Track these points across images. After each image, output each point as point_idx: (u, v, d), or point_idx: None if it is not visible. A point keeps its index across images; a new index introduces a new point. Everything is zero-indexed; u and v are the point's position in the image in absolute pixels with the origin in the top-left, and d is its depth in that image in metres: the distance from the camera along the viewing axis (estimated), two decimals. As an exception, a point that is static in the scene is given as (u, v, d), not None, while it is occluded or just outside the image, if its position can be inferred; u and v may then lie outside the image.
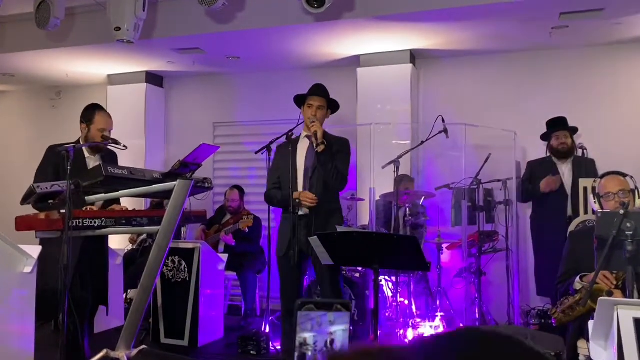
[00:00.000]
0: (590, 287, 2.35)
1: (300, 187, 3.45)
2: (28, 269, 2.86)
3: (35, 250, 2.92)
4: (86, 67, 6.34)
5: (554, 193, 4.50)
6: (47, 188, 2.82)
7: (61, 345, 2.78)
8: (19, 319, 2.88)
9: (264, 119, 6.26)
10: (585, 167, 4.53)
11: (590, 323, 2.04)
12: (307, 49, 5.56)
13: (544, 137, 4.73)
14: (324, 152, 3.38)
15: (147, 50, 5.66)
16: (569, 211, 4.46)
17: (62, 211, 2.77)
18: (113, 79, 6.67)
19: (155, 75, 6.66)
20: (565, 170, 4.56)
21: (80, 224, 2.88)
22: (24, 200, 2.98)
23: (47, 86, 7.28)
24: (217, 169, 6.47)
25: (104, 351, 3.30)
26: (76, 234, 2.88)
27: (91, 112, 3.54)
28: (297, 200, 3.39)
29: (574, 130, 4.68)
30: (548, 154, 4.70)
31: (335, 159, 3.42)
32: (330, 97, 3.63)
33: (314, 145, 3.41)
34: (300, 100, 3.63)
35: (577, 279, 2.73)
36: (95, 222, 2.98)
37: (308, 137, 3.55)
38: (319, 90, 3.58)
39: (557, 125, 4.64)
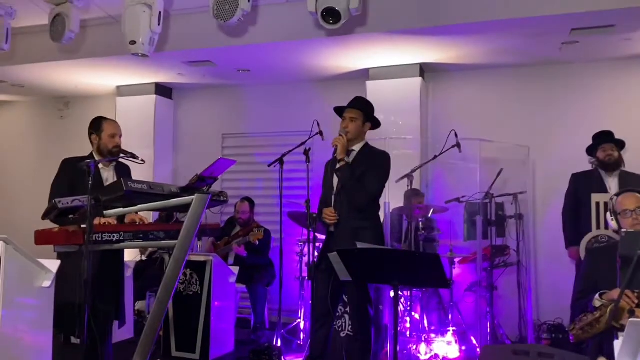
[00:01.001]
0: (614, 307, 2.35)
1: (332, 204, 3.42)
2: (47, 283, 2.86)
3: (53, 265, 2.91)
4: (95, 78, 6.37)
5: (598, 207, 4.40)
6: (68, 203, 2.82)
7: (81, 358, 2.77)
8: (37, 333, 2.87)
9: (273, 130, 6.29)
10: (633, 181, 4.44)
11: (616, 343, 2.04)
12: (317, 62, 5.59)
13: (590, 151, 4.67)
14: (344, 168, 3.35)
15: (157, 62, 5.69)
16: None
17: (83, 226, 2.77)
18: (122, 91, 6.70)
19: (164, 87, 6.69)
20: (612, 183, 4.49)
21: (100, 238, 2.88)
22: (46, 216, 2.98)
23: (55, 97, 7.31)
24: (226, 180, 6.48)
25: (120, 365, 3.30)
26: (95, 247, 2.87)
27: (98, 122, 3.56)
28: (317, 214, 3.40)
29: (621, 144, 4.64)
30: (594, 167, 4.63)
31: (364, 174, 3.35)
32: (369, 107, 3.57)
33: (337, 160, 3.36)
34: (339, 113, 3.61)
35: (597, 296, 2.73)
36: (113, 237, 2.97)
37: (335, 147, 3.49)
38: (354, 101, 3.56)
39: (604, 137, 4.60)
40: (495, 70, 5.65)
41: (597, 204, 4.20)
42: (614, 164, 4.47)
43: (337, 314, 4.07)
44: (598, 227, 4.21)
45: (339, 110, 3.61)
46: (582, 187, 4.57)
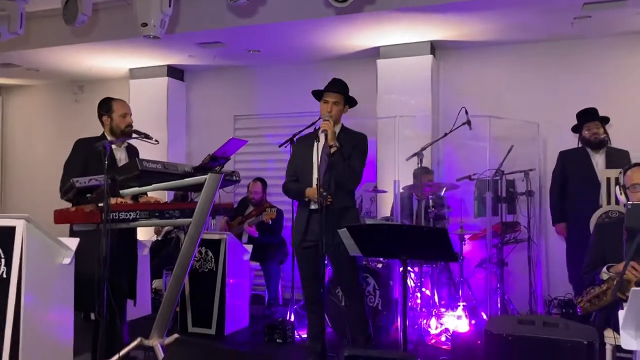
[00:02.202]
0: (620, 278, 2.39)
1: (314, 182, 3.43)
2: (67, 261, 2.95)
3: (72, 243, 3.00)
4: (108, 61, 6.44)
5: (587, 183, 4.47)
6: (85, 182, 2.91)
7: (101, 333, 2.88)
8: (58, 309, 2.97)
9: (284, 111, 6.32)
10: (619, 157, 4.50)
11: (621, 313, 2.08)
12: (328, 42, 5.60)
13: (575, 129, 4.71)
14: (336, 152, 3.38)
15: (169, 44, 5.73)
16: (602, 201, 4.44)
17: (100, 205, 2.86)
18: (135, 73, 6.77)
19: (176, 68, 6.74)
20: (599, 160, 4.54)
21: (117, 217, 2.97)
22: (64, 195, 3.08)
23: (70, 80, 7.40)
24: (238, 161, 6.54)
25: (138, 339, 3.41)
26: (112, 226, 2.96)
27: (107, 103, 3.59)
28: (307, 199, 3.45)
29: (606, 121, 4.65)
30: (580, 145, 4.67)
31: (350, 157, 3.41)
32: (349, 90, 3.61)
33: (327, 145, 3.38)
34: (317, 95, 3.65)
35: (604, 269, 2.77)
36: (130, 215, 3.07)
37: (324, 132, 3.54)
38: (335, 86, 3.56)
39: (588, 116, 4.61)
40: (507, 47, 5.61)
41: (608, 179, 4.22)
42: (600, 142, 4.51)
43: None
44: (609, 203, 4.24)
45: (318, 94, 3.61)
46: (568, 165, 4.64)
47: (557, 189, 4.69)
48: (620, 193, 2.96)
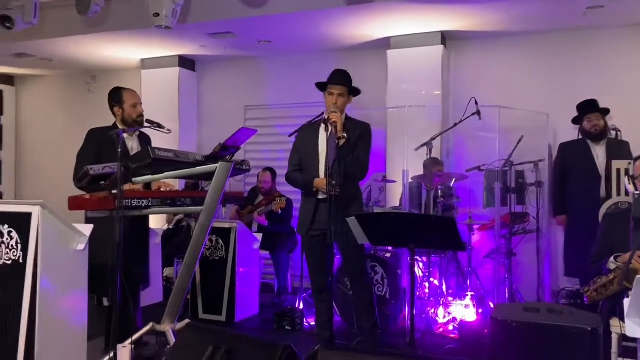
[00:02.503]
0: (626, 267, 2.41)
1: (321, 172, 3.46)
2: (81, 247, 3.00)
3: (86, 229, 3.06)
4: (120, 51, 6.49)
5: (587, 175, 4.50)
6: (99, 170, 2.97)
7: (115, 317, 2.94)
8: (73, 294, 3.04)
9: (294, 101, 6.35)
10: (619, 149, 4.52)
11: (626, 301, 2.11)
12: (338, 32, 5.60)
13: (576, 121, 4.72)
14: (345, 144, 3.38)
15: (180, 34, 5.77)
16: (602, 193, 4.46)
17: (113, 192, 2.92)
18: (146, 63, 6.82)
19: (187, 59, 6.78)
20: (599, 152, 4.55)
21: (130, 204, 3.03)
22: (78, 182, 3.14)
23: (83, 70, 7.48)
24: (248, 150, 6.59)
25: (150, 324, 3.49)
26: (125, 213, 3.02)
27: (118, 93, 3.64)
28: (315, 189, 3.48)
29: (606, 112, 4.65)
30: (581, 137, 4.69)
31: (357, 149, 3.43)
32: (352, 80, 3.60)
33: (336, 137, 3.41)
34: (321, 87, 3.65)
35: (612, 259, 2.78)
36: (142, 202, 3.13)
37: (334, 125, 3.55)
38: (338, 77, 3.57)
39: (588, 107, 4.62)
40: (518, 38, 5.59)
41: (618, 170, 4.21)
42: (600, 134, 4.50)
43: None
44: (612, 195, 4.24)
45: (322, 85, 3.62)
46: (569, 157, 4.64)
47: (558, 181, 4.71)
48: (629, 183, 2.96)
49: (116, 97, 3.61)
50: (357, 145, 3.48)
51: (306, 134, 3.65)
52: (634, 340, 2.28)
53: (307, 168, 3.60)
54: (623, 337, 2.87)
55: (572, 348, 2.11)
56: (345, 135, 3.40)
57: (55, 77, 7.86)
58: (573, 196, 4.61)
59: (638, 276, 1.99)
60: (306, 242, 3.61)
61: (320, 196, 3.50)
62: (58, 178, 7.36)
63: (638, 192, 2.49)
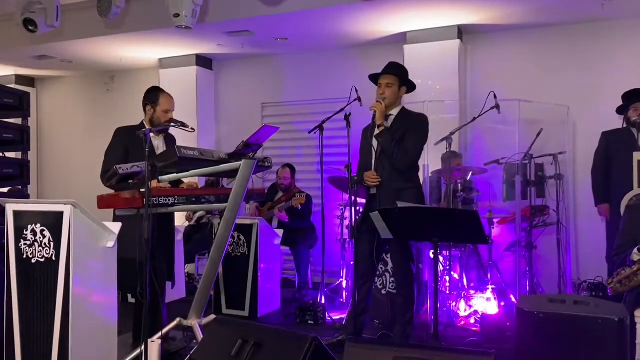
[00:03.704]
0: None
1: (372, 168, 3.53)
2: (111, 244, 3.08)
3: (115, 227, 3.14)
4: (139, 51, 6.59)
5: (632, 164, 4.41)
6: (127, 169, 3.04)
7: (145, 313, 3.01)
8: (103, 290, 3.12)
9: (311, 98, 6.40)
10: None
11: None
12: (354, 28, 5.63)
13: (620, 110, 4.64)
14: (384, 132, 3.43)
15: (198, 34, 5.84)
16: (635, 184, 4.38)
17: (142, 190, 2.99)
18: (164, 63, 6.91)
19: (205, 58, 6.86)
20: None
21: (157, 202, 3.09)
22: (107, 181, 3.22)
23: (102, 71, 7.59)
24: (266, 148, 6.63)
25: (177, 320, 3.56)
26: (153, 210, 3.09)
27: (155, 94, 3.71)
28: (360, 178, 3.52)
29: None
30: (625, 126, 4.61)
31: (404, 138, 3.44)
32: (404, 72, 3.64)
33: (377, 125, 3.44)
34: (374, 80, 3.68)
35: (635, 250, 2.79)
36: (169, 200, 3.19)
37: (374, 112, 3.57)
38: (388, 67, 3.63)
39: (635, 96, 4.54)
40: (535, 31, 5.57)
41: (639, 161, 4.18)
42: None
43: (378, 273, 4.23)
44: (639, 186, 4.20)
45: (374, 78, 3.68)
46: (612, 145, 4.56)
47: (600, 170, 4.61)
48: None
49: (153, 97, 3.67)
50: (405, 137, 3.49)
51: (366, 133, 3.70)
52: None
53: (363, 165, 3.65)
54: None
55: (599, 339, 2.13)
56: (385, 123, 3.43)
57: (74, 78, 7.99)
58: (617, 185, 4.47)
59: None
60: (355, 237, 3.63)
61: (372, 191, 3.55)
62: (79, 177, 7.52)
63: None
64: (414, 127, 3.53)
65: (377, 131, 3.46)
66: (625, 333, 2.13)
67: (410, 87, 3.69)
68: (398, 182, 3.48)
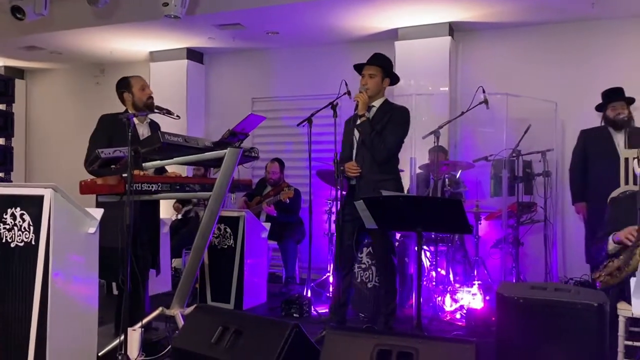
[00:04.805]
0: (633, 247, 2.41)
1: (353, 158, 3.52)
2: (92, 230, 3.04)
3: (97, 213, 3.09)
4: (129, 44, 6.54)
5: (609, 163, 4.43)
6: (109, 153, 3.01)
7: (125, 301, 2.98)
8: (84, 277, 3.07)
9: (302, 94, 6.38)
10: (637, 137, 4.42)
11: (632, 280, 2.12)
12: (346, 23, 5.62)
13: (599, 108, 4.66)
14: (364, 123, 3.42)
15: (188, 26, 5.81)
16: (621, 181, 4.39)
17: (124, 175, 2.95)
18: (155, 56, 6.87)
19: (195, 51, 6.83)
20: (621, 140, 4.47)
21: (140, 188, 3.06)
22: (89, 165, 3.18)
23: (91, 64, 7.54)
24: (256, 143, 6.62)
25: (160, 309, 3.52)
26: (135, 197, 3.05)
27: (125, 80, 3.66)
28: (342, 169, 3.51)
29: (631, 101, 4.59)
30: (603, 124, 4.62)
31: (384, 130, 3.44)
32: (387, 63, 3.62)
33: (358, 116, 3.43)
34: (359, 70, 3.67)
35: (610, 239, 2.76)
36: (152, 187, 3.16)
37: (356, 103, 3.56)
38: (372, 58, 3.60)
39: (614, 95, 4.53)
40: (525, 29, 5.58)
41: (626, 159, 4.19)
42: (623, 122, 4.44)
43: (364, 266, 4.22)
44: (627, 183, 4.22)
45: (359, 68, 3.66)
46: (590, 144, 4.56)
47: (578, 168, 4.62)
48: (638, 166, 2.97)
49: (124, 83, 3.64)
50: (386, 129, 3.49)
51: (348, 124, 3.69)
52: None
53: (346, 155, 3.65)
54: (631, 322, 2.89)
55: (578, 324, 2.12)
56: (365, 114, 3.41)
57: (64, 71, 7.93)
58: (594, 184, 4.49)
59: (645, 252, 2.00)
60: (338, 226, 3.62)
61: (352, 182, 3.54)
62: (68, 170, 7.43)
63: (644, 171, 2.49)
64: (395, 119, 3.52)
65: (358, 121, 3.44)
66: (605, 318, 2.12)
67: (394, 79, 3.67)
68: (377, 174, 3.48)
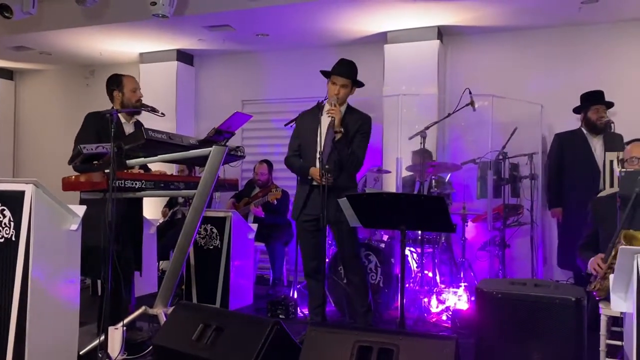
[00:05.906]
0: (611, 245, 2.42)
1: (317, 158, 3.48)
2: (74, 227, 3.01)
3: (80, 209, 3.07)
4: (119, 45, 6.53)
5: (585, 168, 4.44)
6: (92, 149, 2.99)
7: (106, 298, 2.95)
8: (65, 274, 3.04)
9: (291, 96, 6.38)
10: (614, 141, 4.45)
11: (611, 277, 2.12)
12: (335, 26, 5.64)
13: (578, 110, 4.65)
14: (341, 139, 3.43)
15: (178, 27, 5.81)
16: (601, 185, 4.42)
17: (106, 171, 2.93)
18: (145, 57, 6.86)
19: (185, 53, 6.82)
20: (597, 145, 4.48)
21: (123, 185, 3.04)
22: (72, 161, 3.16)
23: (81, 65, 7.51)
24: (246, 145, 6.59)
25: (142, 308, 3.50)
26: (118, 195, 3.03)
27: (117, 78, 3.66)
28: (309, 177, 3.52)
29: (610, 105, 4.62)
30: (579, 127, 4.62)
31: (353, 142, 3.50)
32: (356, 73, 3.62)
33: (333, 130, 3.41)
34: (326, 74, 3.67)
35: (589, 266, 2.74)
36: (135, 184, 3.15)
37: (331, 117, 3.55)
38: (343, 68, 3.57)
39: (595, 98, 4.53)
40: (514, 33, 5.63)
41: (611, 162, 4.22)
42: (604, 126, 4.43)
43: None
44: (612, 186, 4.24)
45: (326, 73, 3.63)
46: (566, 148, 4.55)
47: (553, 173, 4.63)
48: (619, 167, 2.99)
49: (116, 81, 3.63)
50: (355, 139, 3.52)
51: (307, 120, 3.68)
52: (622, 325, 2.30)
53: (305, 154, 3.64)
54: (613, 322, 2.89)
55: (556, 319, 2.12)
56: (342, 130, 3.43)
57: (54, 72, 7.90)
58: (570, 189, 4.51)
59: (621, 247, 2.01)
60: (299, 227, 3.67)
61: (314, 183, 3.54)
62: (57, 172, 7.39)
63: (624, 170, 2.51)
64: (363, 129, 3.57)
65: (336, 137, 3.41)
66: (583, 313, 2.12)
67: (360, 85, 3.68)
68: (344, 182, 3.52)
